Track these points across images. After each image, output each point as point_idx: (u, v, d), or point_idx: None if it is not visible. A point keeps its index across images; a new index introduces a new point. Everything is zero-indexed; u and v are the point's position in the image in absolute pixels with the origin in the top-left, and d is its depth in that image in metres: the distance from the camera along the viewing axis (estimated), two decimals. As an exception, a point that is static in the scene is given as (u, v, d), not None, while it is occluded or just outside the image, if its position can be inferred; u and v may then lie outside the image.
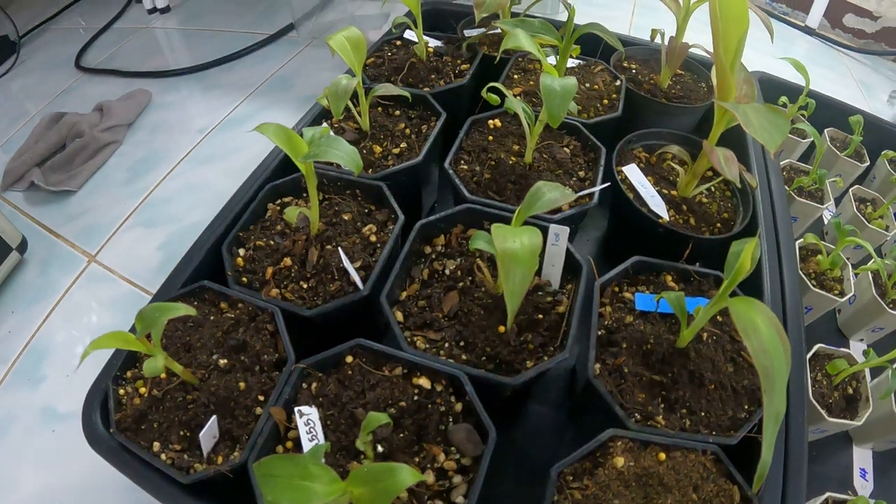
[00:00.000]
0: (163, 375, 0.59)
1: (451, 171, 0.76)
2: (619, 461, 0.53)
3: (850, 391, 0.77)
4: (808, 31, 1.69)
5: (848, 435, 0.81)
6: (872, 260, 0.84)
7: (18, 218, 1.13)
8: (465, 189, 0.73)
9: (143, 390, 0.59)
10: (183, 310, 0.51)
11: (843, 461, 0.79)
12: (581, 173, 0.79)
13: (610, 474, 0.52)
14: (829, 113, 1.12)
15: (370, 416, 0.48)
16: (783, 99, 1.11)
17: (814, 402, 0.72)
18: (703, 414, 0.58)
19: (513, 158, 0.78)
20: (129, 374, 0.62)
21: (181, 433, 0.56)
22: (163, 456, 0.54)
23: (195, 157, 1.25)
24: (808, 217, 1.00)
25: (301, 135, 0.63)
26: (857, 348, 0.91)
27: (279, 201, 0.78)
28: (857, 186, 1.04)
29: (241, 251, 0.71)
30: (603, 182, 0.76)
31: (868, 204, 1.04)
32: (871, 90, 1.53)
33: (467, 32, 1.06)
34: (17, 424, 0.82)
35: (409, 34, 1.03)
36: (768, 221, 0.81)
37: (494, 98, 0.75)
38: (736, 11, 0.60)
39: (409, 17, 0.94)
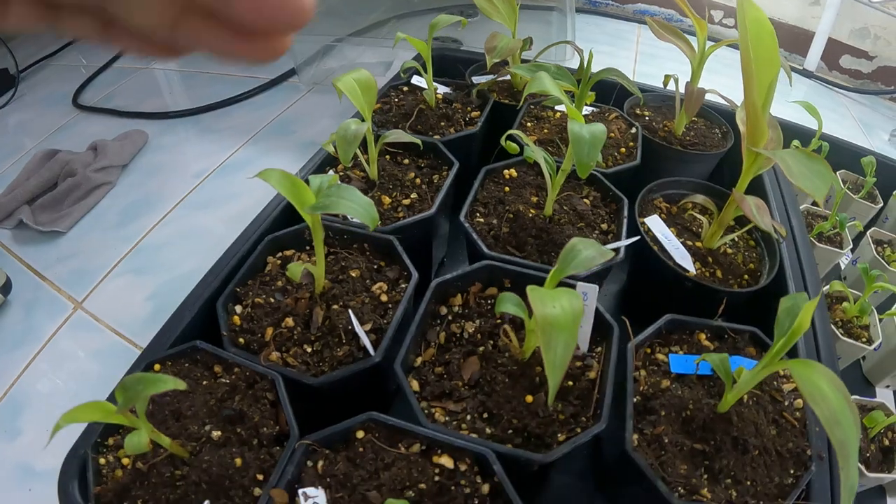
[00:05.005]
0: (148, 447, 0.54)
1: (466, 225, 0.72)
2: (668, 545, 0.48)
3: (887, 442, 0.73)
4: (807, 73, 1.70)
5: (882, 488, 0.77)
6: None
7: (4, 257, 1.07)
8: (482, 244, 0.69)
9: (126, 461, 0.53)
10: (171, 383, 0.46)
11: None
12: (604, 226, 0.76)
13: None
14: (838, 155, 1.11)
15: None
16: (795, 142, 1.10)
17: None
18: (748, 483, 0.54)
19: (532, 211, 0.75)
20: (111, 441, 0.55)
21: None
22: (146, 541, 0.48)
23: (191, 203, 1.20)
24: (828, 263, 0.97)
25: (307, 183, 0.58)
26: (883, 395, 0.88)
27: (280, 254, 0.72)
28: (873, 229, 1.02)
29: (238, 308, 0.65)
30: (628, 235, 0.72)
31: (885, 246, 1.02)
32: (872, 129, 1.53)
33: (475, 79, 1.03)
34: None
35: (417, 80, 1.01)
36: (795, 271, 0.78)
37: (514, 147, 0.72)
38: (767, 52, 0.57)
39: (417, 60, 0.92)
